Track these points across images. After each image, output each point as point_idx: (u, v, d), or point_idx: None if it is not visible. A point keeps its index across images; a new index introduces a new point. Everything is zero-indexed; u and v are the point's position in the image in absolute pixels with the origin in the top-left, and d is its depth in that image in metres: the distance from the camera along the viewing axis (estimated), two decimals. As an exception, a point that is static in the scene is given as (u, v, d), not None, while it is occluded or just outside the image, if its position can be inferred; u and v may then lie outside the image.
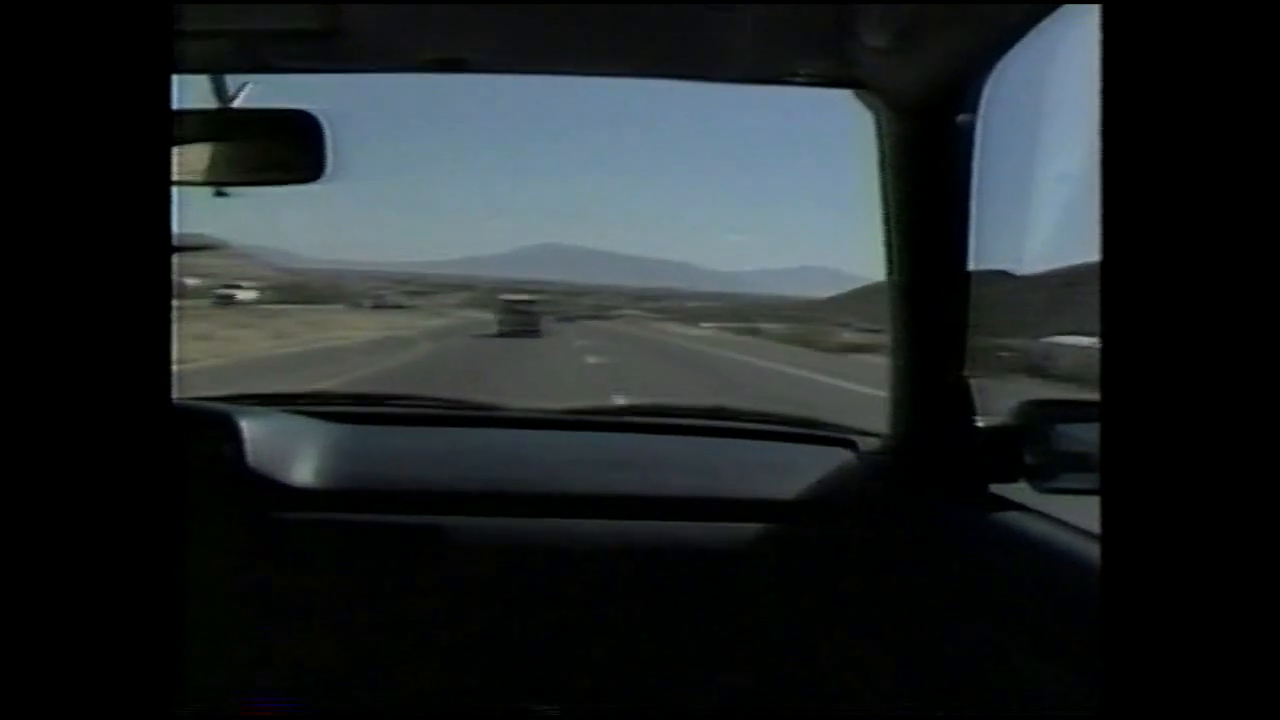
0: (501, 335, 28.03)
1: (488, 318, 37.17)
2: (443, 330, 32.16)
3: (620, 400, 4.58)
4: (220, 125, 1.30)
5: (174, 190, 0.86)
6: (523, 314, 30.91)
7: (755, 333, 40.32)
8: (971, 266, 1.38)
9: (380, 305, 56.08)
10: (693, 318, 62.42)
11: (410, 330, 30.20)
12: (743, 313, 65.86)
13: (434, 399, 1.94)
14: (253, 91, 1.36)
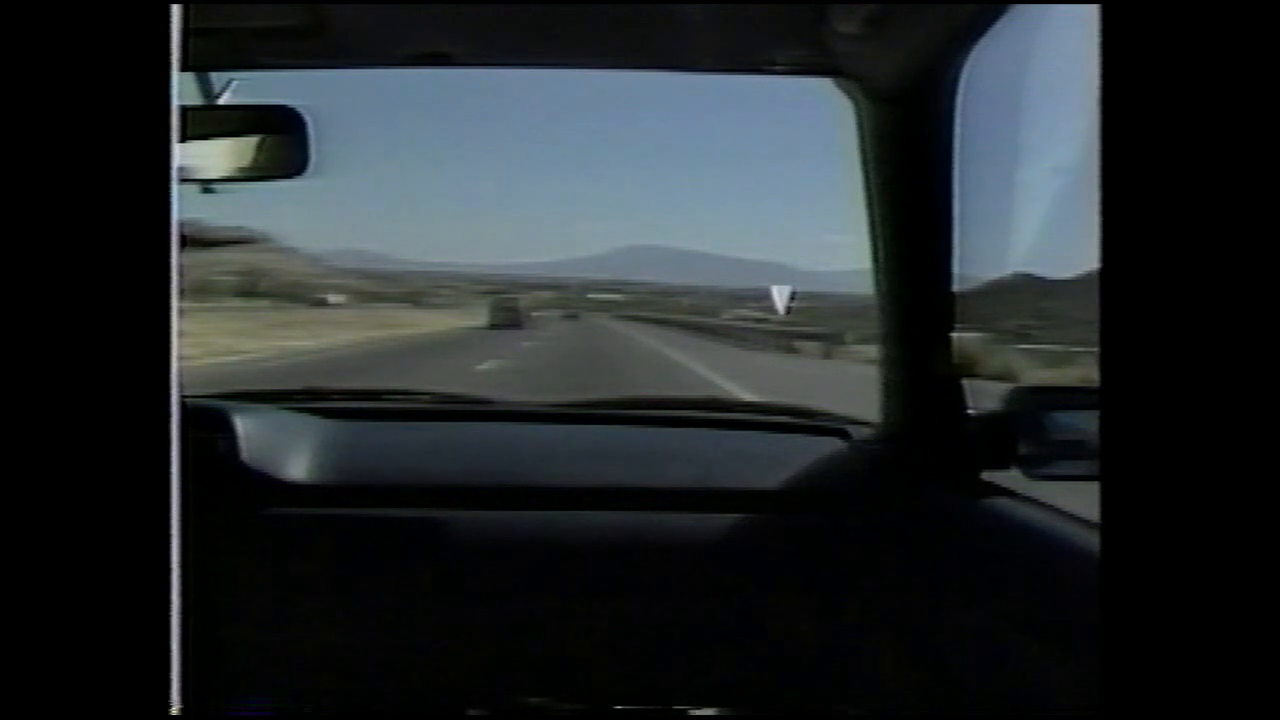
0: (493, 327, 33.23)
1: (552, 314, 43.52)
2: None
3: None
4: (205, 122, 1.34)
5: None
6: (509, 310, 37.23)
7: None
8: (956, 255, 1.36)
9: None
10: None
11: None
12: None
13: (428, 393, 1.95)
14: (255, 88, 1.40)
